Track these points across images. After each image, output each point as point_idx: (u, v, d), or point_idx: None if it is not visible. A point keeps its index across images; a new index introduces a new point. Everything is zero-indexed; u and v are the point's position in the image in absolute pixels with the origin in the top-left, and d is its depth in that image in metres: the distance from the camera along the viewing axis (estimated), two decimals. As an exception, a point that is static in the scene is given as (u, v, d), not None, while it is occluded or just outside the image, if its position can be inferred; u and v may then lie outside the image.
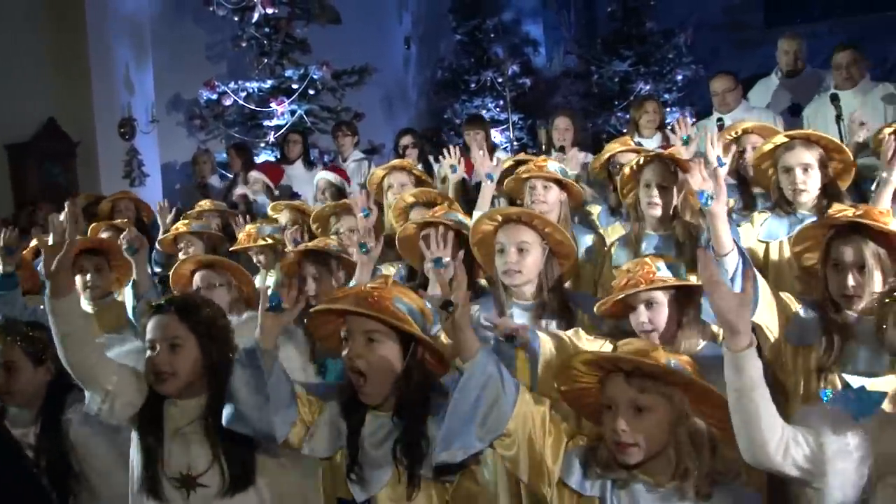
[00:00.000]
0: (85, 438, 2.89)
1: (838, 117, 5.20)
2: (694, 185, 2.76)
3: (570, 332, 2.79)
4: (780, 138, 3.61)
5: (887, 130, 4.13)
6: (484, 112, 10.35)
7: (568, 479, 2.10)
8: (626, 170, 3.65)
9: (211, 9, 8.56)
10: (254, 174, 6.28)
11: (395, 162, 5.06)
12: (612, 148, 4.41)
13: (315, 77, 8.62)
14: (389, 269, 3.84)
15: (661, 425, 2.00)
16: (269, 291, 2.30)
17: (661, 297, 2.67)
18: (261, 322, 2.29)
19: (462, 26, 11.14)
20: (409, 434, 2.28)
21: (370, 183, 4.92)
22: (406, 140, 6.62)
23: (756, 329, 2.83)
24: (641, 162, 3.59)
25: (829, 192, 3.48)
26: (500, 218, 3.05)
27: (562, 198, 3.84)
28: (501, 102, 9.97)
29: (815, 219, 3.39)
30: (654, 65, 9.74)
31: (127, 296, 3.65)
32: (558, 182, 3.83)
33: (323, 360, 3.28)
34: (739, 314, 1.78)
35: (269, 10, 8.52)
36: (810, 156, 3.47)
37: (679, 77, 9.74)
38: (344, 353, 2.33)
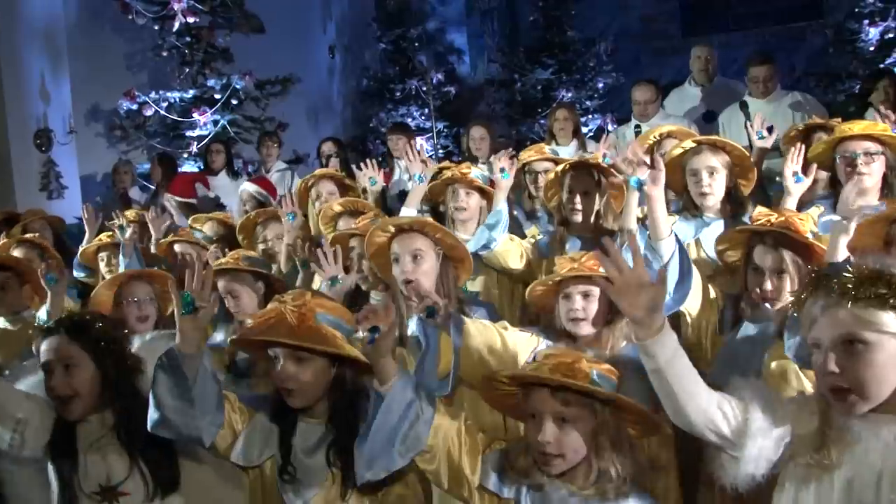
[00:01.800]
0: (6, 467, 2.82)
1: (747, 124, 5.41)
2: (627, 171, 2.84)
3: (497, 324, 2.84)
4: (689, 143, 3.74)
5: (791, 134, 4.33)
6: (409, 120, 10.39)
7: (486, 482, 2.15)
8: (551, 175, 3.76)
9: (130, 17, 8.37)
10: (168, 200, 6.13)
11: (323, 171, 5.07)
12: (525, 156, 4.50)
13: (238, 87, 8.51)
14: None
15: (585, 435, 2.07)
16: (183, 294, 2.26)
17: (597, 291, 2.75)
18: (179, 326, 2.26)
19: (386, 35, 11.16)
20: (342, 439, 2.32)
21: (297, 192, 4.92)
22: (328, 148, 6.62)
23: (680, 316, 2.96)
24: (565, 168, 3.71)
25: (733, 196, 3.62)
26: (392, 228, 3.09)
27: (482, 204, 3.93)
28: (427, 111, 10.02)
29: (721, 222, 3.54)
30: (575, 73, 9.92)
31: (38, 322, 3.59)
32: (480, 189, 3.92)
33: None
34: (645, 311, 1.84)
35: (191, 19, 8.38)
36: (716, 160, 3.59)
37: (600, 85, 9.95)
38: (274, 371, 2.35)
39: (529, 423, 2.11)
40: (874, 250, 2.62)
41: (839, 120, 4.40)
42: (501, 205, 3.73)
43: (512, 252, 3.68)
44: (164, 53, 8.59)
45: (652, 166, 2.69)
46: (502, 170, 3.75)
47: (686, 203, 3.74)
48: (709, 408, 1.85)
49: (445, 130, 10.25)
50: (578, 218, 3.64)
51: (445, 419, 2.21)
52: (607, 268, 1.90)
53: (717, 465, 1.90)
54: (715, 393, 1.89)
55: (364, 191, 5.22)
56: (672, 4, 11.86)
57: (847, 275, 1.74)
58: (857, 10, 9.44)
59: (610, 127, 8.62)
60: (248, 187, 5.65)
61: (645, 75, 6.76)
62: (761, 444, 1.84)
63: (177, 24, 8.37)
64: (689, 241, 3.65)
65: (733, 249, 2.92)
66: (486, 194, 3.94)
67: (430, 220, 3.24)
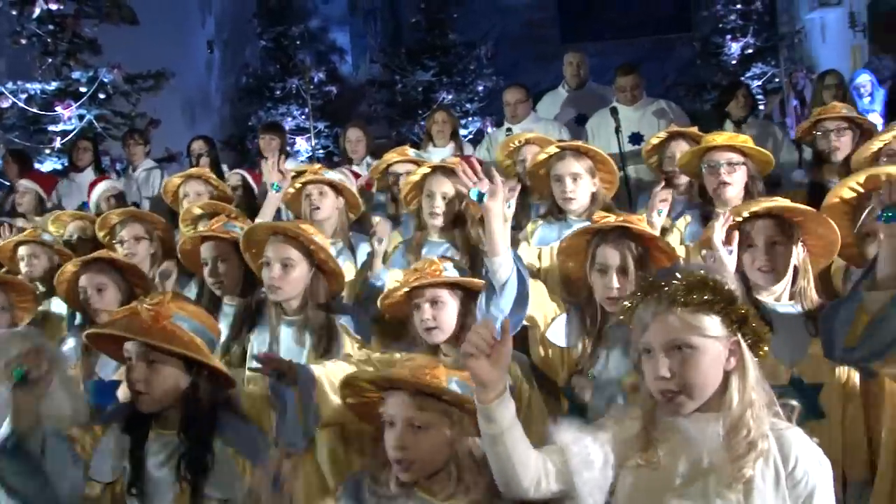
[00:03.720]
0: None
1: (617, 129, 5.56)
2: (467, 184, 2.83)
3: (359, 352, 2.82)
4: (553, 148, 3.80)
5: (653, 140, 4.47)
6: (289, 120, 10.23)
7: None
8: (411, 178, 3.71)
9: (-18, -1, 7.92)
10: (24, 183, 5.83)
11: (192, 171, 4.89)
12: (388, 158, 4.46)
13: (105, 80, 8.15)
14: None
15: (440, 443, 2.03)
16: (12, 367, 2.11)
17: (447, 297, 2.71)
18: (11, 400, 2.11)
19: (267, 32, 10.94)
20: (194, 450, 2.22)
21: (165, 191, 4.74)
22: (198, 147, 6.40)
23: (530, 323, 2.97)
24: (426, 172, 3.67)
25: (596, 201, 3.70)
26: (265, 234, 3.04)
27: (339, 205, 3.86)
28: (307, 110, 9.89)
29: (585, 226, 3.60)
30: (456, 75, 10.00)
31: None
32: (335, 188, 3.86)
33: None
34: (492, 373, 1.79)
35: (53, 6, 7.96)
36: (580, 166, 3.65)
37: (480, 88, 10.05)
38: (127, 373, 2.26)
39: (388, 432, 2.06)
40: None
41: (696, 128, 4.57)
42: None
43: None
44: (24, 41, 8.12)
45: (491, 180, 2.71)
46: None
47: (551, 208, 3.80)
48: (537, 472, 1.86)
49: (326, 130, 10.14)
50: (438, 222, 3.62)
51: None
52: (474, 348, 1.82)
53: None
54: (537, 452, 1.88)
55: (235, 190, 5.10)
56: (552, 12, 12.14)
57: (675, 282, 1.80)
58: (721, 25, 9.93)
59: (489, 130, 8.72)
60: (103, 183, 5.42)
61: (525, 80, 6.87)
62: (587, 477, 1.86)
63: (37, 10, 7.92)
64: (553, 244, 3.70)
65: (574, 259, 2.94)
66: (343, 193, 3.89)
67: (307, 227, 3.16)
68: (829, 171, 4.12)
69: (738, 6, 9.92)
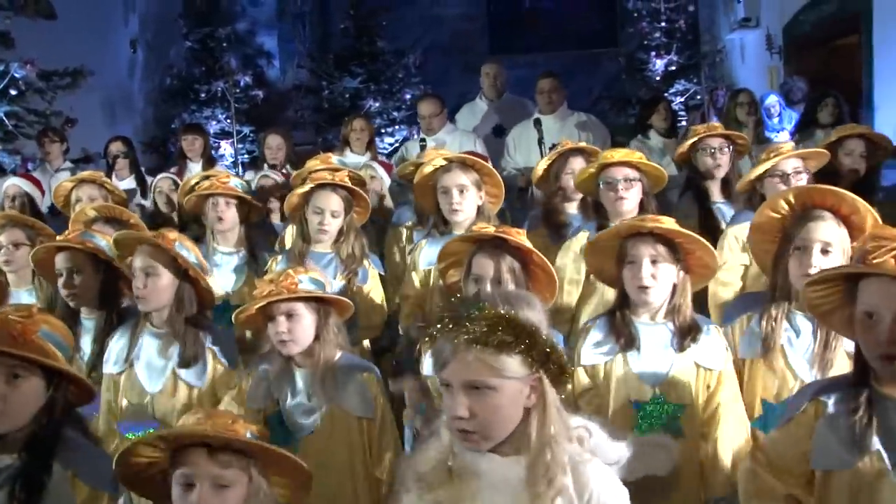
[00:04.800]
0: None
1: (540, 140, 5.63)
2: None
3: None
4: (440, 161, 3.83)
5: (546, 161, 4.54)
6: (214, 123, 10.03)
7: None
8: (298, 191, 3.77)
9: None
10: None
11: (85, 174, 4.77)
12: (311, 165, 4.44)
13: (17, 76, 7.85)
14: None
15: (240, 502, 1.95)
16: None
17: (303, 310, 2.73)
18: None
19: (193, 33, 10.70)
20: (31, 470, 2.11)
21: (56, 195, 4.60)
22: (115, 148, 6.26)
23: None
24: (312, 186, 3.72)
25: (482, 214, 3.74)
26: (136, 243, 3.01)
27: (242, 214, 3.86)
28: (232, 113, 9.72)
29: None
30: (384, 83, 9.92)
31: None
32: (240, 199, 3.84)
33: None
34: None
35: (-42, -4, 7.65)
36: (466, 178, 3.71)
37: (408, 96, 10.01)
38: None
39: (187, 494, 1.95)
40: (609, 269, 2.76)
41: (582, 143, 4.66)
42: None
43: None
44: (-71, 32, 7.79)
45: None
46: None
47: (436, 220, 3.83)
48: None
49: (251, 135, 9.96)
50: (324, 237, 3.69)
51: None
52: None
53: None
54: None
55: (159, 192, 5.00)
56: (481, 22, 12.21)
57: (475, 320, 1.76)
58: (646, 42, 10.13)
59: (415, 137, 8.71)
60: (16, 181, 5.21)
61: (453, 89, 6.91)
62: None
63: (-57, 0, 7.61)
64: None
65: (454, 268, 2.98)
66: (247, 204, 3.88)
67: (173, 236, 3.11)
68: (710, 190, 4.29)
69: (663, 24, 10.12)
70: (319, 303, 2.79)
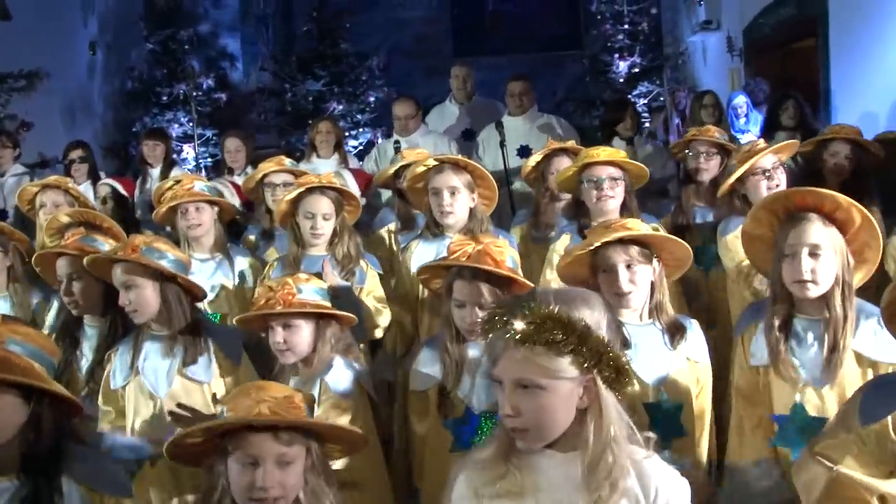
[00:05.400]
0: None
1: (502, 143, 5.62)
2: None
3: None
4: (431, 161, 3.80)
5: (534, 159, 4.52)
6: (176, 126, 9.90)
7: None
8: (289, 198, 3.68)
9: None
10: None
11: (50, 179, 4.68)
12: (264, 168, 4.36)
13: (-32, 78, 7.69)
14: None
15: (301, 474, 2.02)
16: None
17: (299, 321, 2.69)
18: None
19: (155, 35, 10.55)
20: (38, 491, 2.02)
21: (20, 199, 4.51)
22: (75, 154, 6.15)
23: None
24: (299, 189, 3.66)
25: (475, 217, 3.71)
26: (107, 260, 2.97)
27: (214, 215, 3.78)
28: (194, 117, 9.61)
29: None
30: (347, 86, 9.88)
31: None
32: (211, 202, 3.77)
33: None
34: None
35: (-89, -3, 7.45)
36: (458, 180, 3.67)
37: (372, 99, 9.98)
38: None
39: (248, 472, 1.98)
40: (584, 276, 2.75)
41: (573, 142, 4.66)
42: None
43: None
44: None
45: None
46: None
47: (429, 222, 3.79)
48: None
49: (214, 138, 9.85)
50: (318, 241, 3.63)
51: None
52: None
53: None
54: None
55: (104, 201, 4.91)
56: (445, 25, 12.23)
57: (524, 318, 1.74)
58: (609, 44, 10.21)
59: (379, 141, 8.68)
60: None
61: (416, 92, 6.87)
62: None
63: None
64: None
65: (437, 278, 2.95)
66: (220, 205, 3.81)
67: (138, 239, 3.06)
68: (694, 192, 4.31)
69: (626, 27, 10.20)
70: (319, 314, 2.77)
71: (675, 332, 2.70)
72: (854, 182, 4.22)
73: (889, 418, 1.99)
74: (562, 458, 1.79)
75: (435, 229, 3.74)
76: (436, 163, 3.75)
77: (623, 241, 2.66)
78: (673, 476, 1.83)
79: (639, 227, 2.73)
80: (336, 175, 4.75)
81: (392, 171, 4.50)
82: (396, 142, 5.81)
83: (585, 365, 1.74)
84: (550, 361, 1.72)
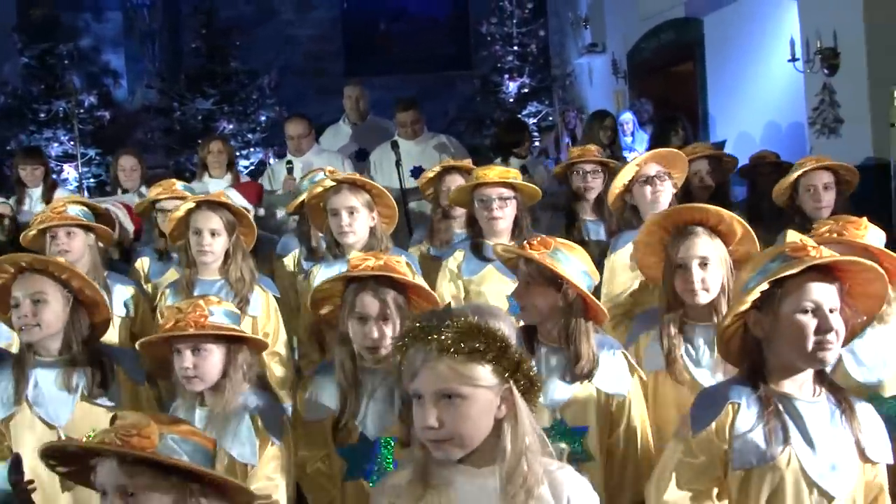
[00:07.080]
0: None
1: (398, 163, 5.63)
2: None
3: None
4: (329, 182, 3.76)
5: (428, 175, 4.56)
6: (55, 145, 9.49)
7: None
8: (175, 214, 3.54)
9: None
10: None
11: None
12: (154, 194, 4.22)
13: None
14: None
15: None
16: None
17: (210, 345, 2.58)
18: None
19: (30, 48, 10.06)
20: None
21: None
22: (-57, 172, 5.81)
23: None
24: (190, 207, 3.53)
25: (375, 235, 3.69)
26: (11, 268, 2.76)
27: (89, 241, 3.60)
28: (76, 135, 9.23)
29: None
30: (238, 104, 9.71)
31: None
32: (83, 226, 3.59)
33: None
34: None
35: None
36: (356, 199, 3.63)
37: (262, 118, 9.84)
38: None
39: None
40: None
41: (469, 161, 4.73)
42: None
43: None
44: None
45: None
46: None
47: (329, 243, 3.75)
48: None
49: (98, 158, 9.49)
50: (208, 259, 3.48)
51: None
52: None
53: None
54: None
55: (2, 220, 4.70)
56: (336, 44, 12.19)
57: (446, 328, 1.77)
58: (499, 65, 10.43)
59: (271, 161, 8.56)
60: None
61: (308, 111, 6.78)
62: None
63: None
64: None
65: (330, 303, 2.86)
66: (93, 229, 3.63)
67: (57, 260, 2.90)
68: (581, 208, 4.46)
69: (516, 48, 10.45)
70: (229, 338, 2.63)
71: (579, 361, 2.69)
72: (719, 194, 4.55)
73: (713, 424, 2.17)
74: (476, 472, 1.82)
75: (336, 250, 3.69)
76: (333, 183, 3.72)
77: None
78: (584, 487, 1.89)
79: (534, 256, 2.71)
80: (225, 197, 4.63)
81: (298, 201, 4.35)
82: (289, 162, 5.72)
83: (506, 374, 1.79)
84: (472, 370, 1.76)
